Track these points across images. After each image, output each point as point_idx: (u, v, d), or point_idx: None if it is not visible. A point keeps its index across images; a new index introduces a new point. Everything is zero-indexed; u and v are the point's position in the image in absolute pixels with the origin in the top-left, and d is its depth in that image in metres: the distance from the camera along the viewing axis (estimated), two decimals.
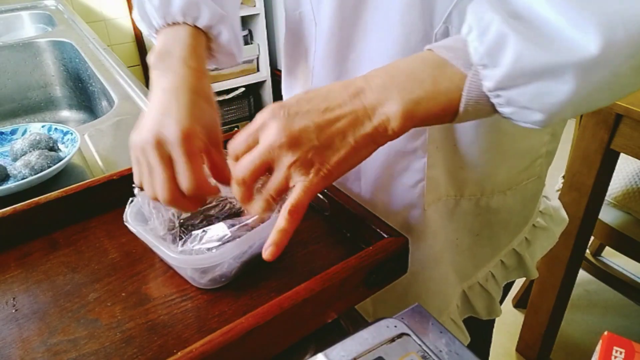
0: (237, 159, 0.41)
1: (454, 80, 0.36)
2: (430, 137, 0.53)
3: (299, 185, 0.39)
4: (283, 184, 0.39)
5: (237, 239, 0.44)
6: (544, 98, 0.32)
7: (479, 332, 0.80)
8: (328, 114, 0.38)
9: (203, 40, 0.51)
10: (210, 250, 0.44)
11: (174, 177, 0.43)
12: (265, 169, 0.40)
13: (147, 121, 0.44)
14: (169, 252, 0.43)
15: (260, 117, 0.40)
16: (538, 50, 0.31)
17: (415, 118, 0.37)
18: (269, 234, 0.47)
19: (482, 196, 0.58)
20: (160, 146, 0.43)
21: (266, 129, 0.39)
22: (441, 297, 0.63)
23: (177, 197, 0.43)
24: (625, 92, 0.35)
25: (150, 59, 0.49)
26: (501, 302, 0.78)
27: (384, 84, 0.38)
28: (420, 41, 0.48)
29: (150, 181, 0.44)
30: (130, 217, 0.47)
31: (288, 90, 0.68)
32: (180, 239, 0.48)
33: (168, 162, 0.43)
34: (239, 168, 0.40)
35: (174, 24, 0.50)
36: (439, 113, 0.37)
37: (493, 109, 0.36)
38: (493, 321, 0.82)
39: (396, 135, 0.38)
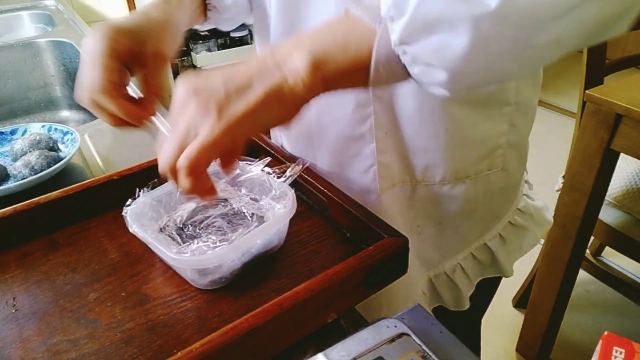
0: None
1: (365, 36, 0.35)
2: (376, 123, 0.54)
3: (196, 138, 0.36)
4: (183, 134, 0.37)
5: (238, 240, 0.44)
6: (443, 52, 0.32)
7: (466, 328, 0.80)
8: (238, 68, 0.38)
9: None
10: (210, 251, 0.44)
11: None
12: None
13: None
14: (168, 253, 0.43)
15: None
16: None
17: (325, 70, 0.36)
18: (270, 235, 0.47)
19: (438, 183, 0.59)
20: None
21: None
22: (407, 284, 0.62)
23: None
24: (532, 62, 0.34)
25: None
26: (489, 299, 0.78)
27: (297, 40, 0.38)
28: None
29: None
30: (130, 217, 0.47)
31: None
32: (180, 239, 0.48)
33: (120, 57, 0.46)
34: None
35: None
36: (349, 68, 0.36)
37: (404, 71, 0.35)
38: (480, 315, 0.82)
39: (307, 89, 0.36)
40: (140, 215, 0.48)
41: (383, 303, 0.61)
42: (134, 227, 0.46)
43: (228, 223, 0.50)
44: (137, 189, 0.49)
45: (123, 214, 0.47)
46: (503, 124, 0.58)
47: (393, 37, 0.33)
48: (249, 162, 0.53)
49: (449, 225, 0.62)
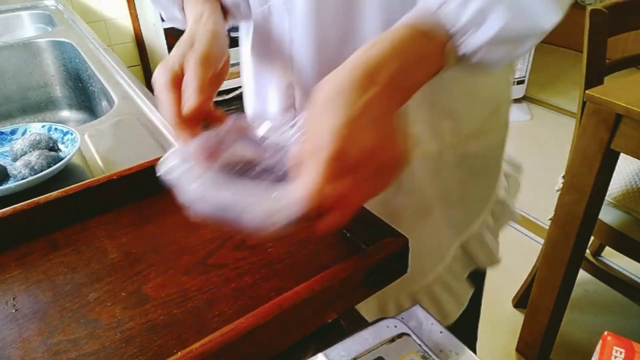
0: None
1: (435, 50, 0.39)
2: None
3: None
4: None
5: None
6: (510, 56, 0.40)
7: (465, 327, 0.81)
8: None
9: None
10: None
11: (179, 99, 0.46)
12: None
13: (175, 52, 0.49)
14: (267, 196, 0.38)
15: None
16: (520, 20, 0.37)
17: (406, 89, 0.40)
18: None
19: (459, 143, 0.60)
20: (176, 71, 0.47)
21: None
22: (436, 251, 0.65)
23: (177, 120, 0.46)
24: None
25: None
26: (481, 292, 0.81)
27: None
28: None
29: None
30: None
31: (258, 92, 0.70)
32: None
33: (178, 85, 0.46)
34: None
35: None
36: (422, 80, 0.40)
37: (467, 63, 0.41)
38: (478, 314, 0.82)
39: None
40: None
41: (415, 272, 0.61)
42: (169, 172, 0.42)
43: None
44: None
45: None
46: (505, 80, 0.63)
47: (468, 46, 0.38)
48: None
49: (472, 185, 0.65)
